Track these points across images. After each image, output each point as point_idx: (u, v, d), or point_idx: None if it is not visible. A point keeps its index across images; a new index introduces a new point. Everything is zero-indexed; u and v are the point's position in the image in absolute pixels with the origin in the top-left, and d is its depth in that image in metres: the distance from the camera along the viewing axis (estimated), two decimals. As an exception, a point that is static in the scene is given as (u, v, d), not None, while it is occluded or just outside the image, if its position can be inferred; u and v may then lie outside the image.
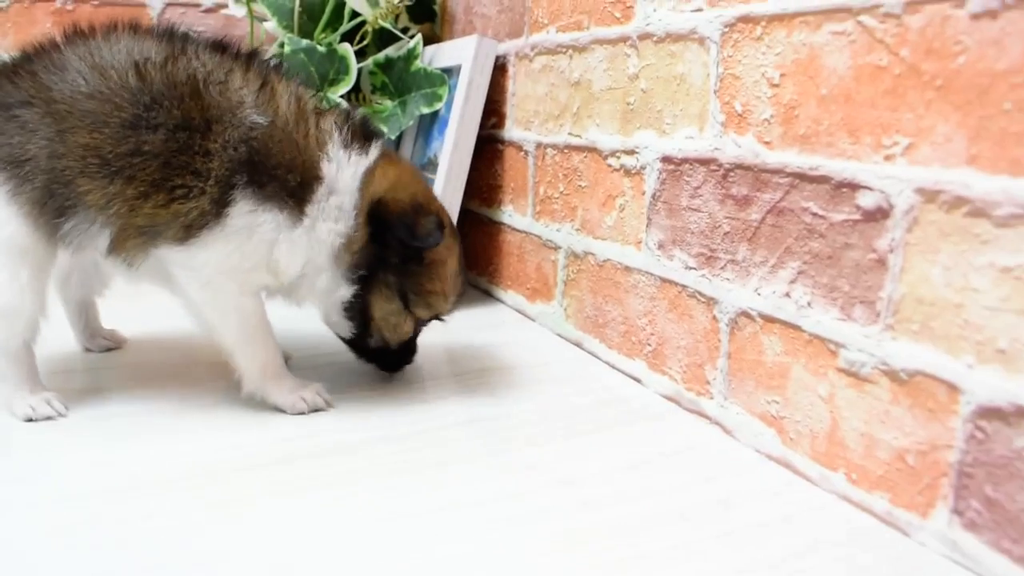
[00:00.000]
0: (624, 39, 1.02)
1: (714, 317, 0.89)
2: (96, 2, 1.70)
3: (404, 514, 0.71)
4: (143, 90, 0.84)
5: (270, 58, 0.94)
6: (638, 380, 1.03)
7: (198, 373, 1.05)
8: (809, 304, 0.77)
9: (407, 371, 1.05)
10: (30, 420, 0.89)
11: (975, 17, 0.61)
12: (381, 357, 1.01)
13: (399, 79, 1.46)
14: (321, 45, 1.45)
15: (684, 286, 0.94)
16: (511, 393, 0.99)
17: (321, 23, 1.48)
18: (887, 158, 0.68)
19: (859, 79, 0.70)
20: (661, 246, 0.97)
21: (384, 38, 1.52)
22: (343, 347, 1.01)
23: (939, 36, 0.64)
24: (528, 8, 1.25)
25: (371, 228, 0.91)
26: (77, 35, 0.90)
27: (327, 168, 0.90)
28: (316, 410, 0.93)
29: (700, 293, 0.91)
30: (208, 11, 1.78)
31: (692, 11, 0.90)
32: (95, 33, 0.89)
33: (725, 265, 0.87)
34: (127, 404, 0.94)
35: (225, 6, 1.72)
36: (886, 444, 0.70)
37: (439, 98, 1.40)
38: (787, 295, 0.79)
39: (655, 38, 0.96)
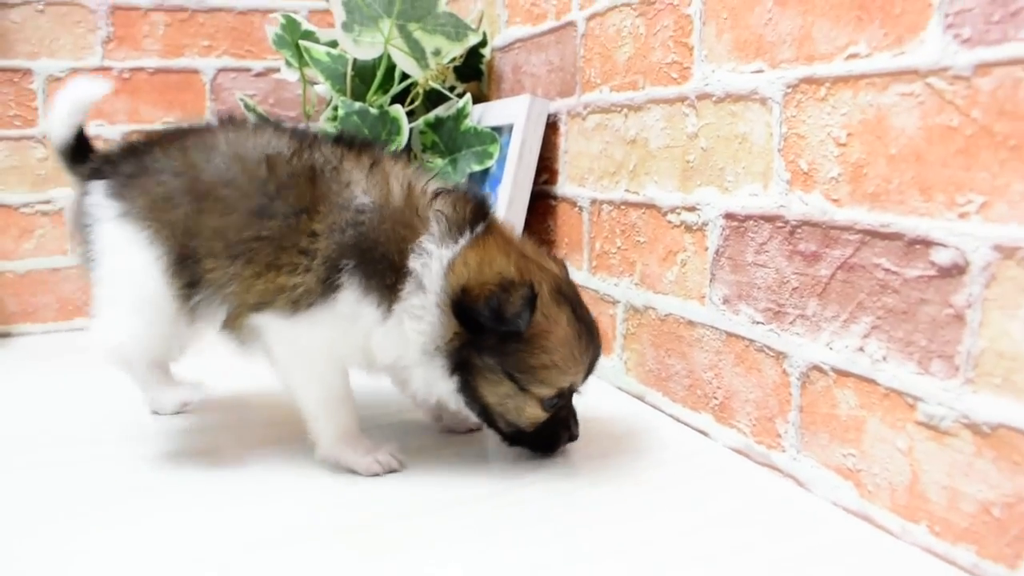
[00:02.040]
0: (682, 99, 1.04)
1: (784, 371, 0.91)
2: (151, 70, 1.75)
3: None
4: (269, 181, 0.90)
5: (385, 144, 0.99)
6: (705, 433, 1.04)
7: (259, 433, 1.08)
8: (884, 358, 0.78)
9: (473, 434, 1.06)
10: (177, 412, 1.08)
11: (1047, 80, 0.63)
12: (526, 441, 0.96)
13: (449, 138, 1.50)
14: (373, 107, 1.49)
15: (752, 340, 0.95)
16: (579, 454, 1.01)
17: (373, 86, 1.52)
18: (961, 216, 0.70)
19: (930, 139, 0.72)
20: (726, 301, 0.99)
21: (433, 98, 1.56)
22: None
23: (1011, 98, 0.65)
24: (580, 68, 1.28)
25: (460, 320, 0.87)
26: (230, 121, 0.98)
27: (415, 263, 0.88)
28: (391, 471, 0.94)
29: (769, 347, 0.93)
30: (259, 75, 1.83)
31: (752, 72, 0.92)
32: (246, 123, 0.97)
33: (794, 320, 0.88)
34: (200, 469, 0.97)
35: (277, 70, 1.77)
36: (970, 497, 0.71)
37: (490, 156, 1.43)
38: (861, 349, 0.80)
39: (714, 98, 0.98)
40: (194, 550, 0.77)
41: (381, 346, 0.91)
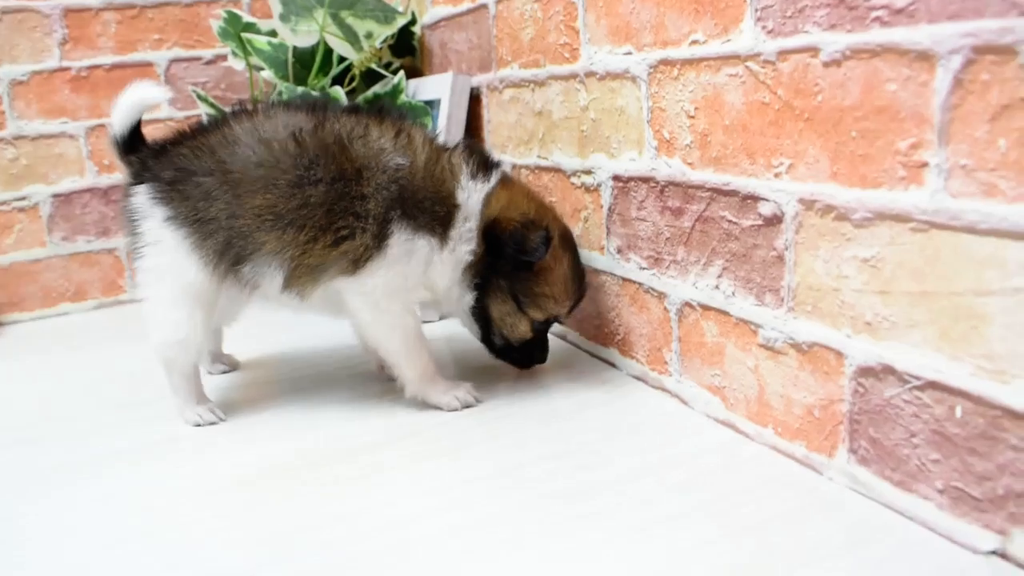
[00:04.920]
0: (574, 76, 1.19)
1: (665, 308, 1.07)
2: (108, 66, 1.87)
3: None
4: (302, 154, 1.04)
5: (396, 108, 1.13)
6: (613, 364, 1.21)
7: (297, 385, 1.27)
8: (734, 294, 0.94)
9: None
10: (198, 425, 1.13)
11: (826, 65, 0.78)
12: (509, 354, 1.17)
13: (387, 113, 1.63)
14: (314, 90, 1.62)
15: (640, 283, 1.11)
16: (521, 382, 1.17)
17: (313, 70, 1.65)
18: (776, 175, 0.85)
19: (751, 113, 0.88)
20: (619, 250, 1.15)
21: (371, 77, 1.69)
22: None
23: (803, 79, 0.81)
24: (494, 47, 1.42)
25: (487, 244, 1.09)
26: (242, 111, 1.11)
27: (461, 196, 1.09)
28: (468, 406, 1.12)
29: (653, 289, 1.09)
30: (210, 63, 1.95)
31: (624, 54, 1.07)
32: (256, 109, 1.10)
33: (669, 265, 1.05)
34: (256, 411, 1.17)
35: (225, 58, 1.90)
36: (799, 402, 0.87)
37: (424, 127, 1.57)
38: (717, 287, 0.97)
39: (598, 76, 1.13)
40: (186, 488, 0.95)
41: (440, 271, 1.09)
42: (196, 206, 1.05)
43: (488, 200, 1.10)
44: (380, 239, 1.04)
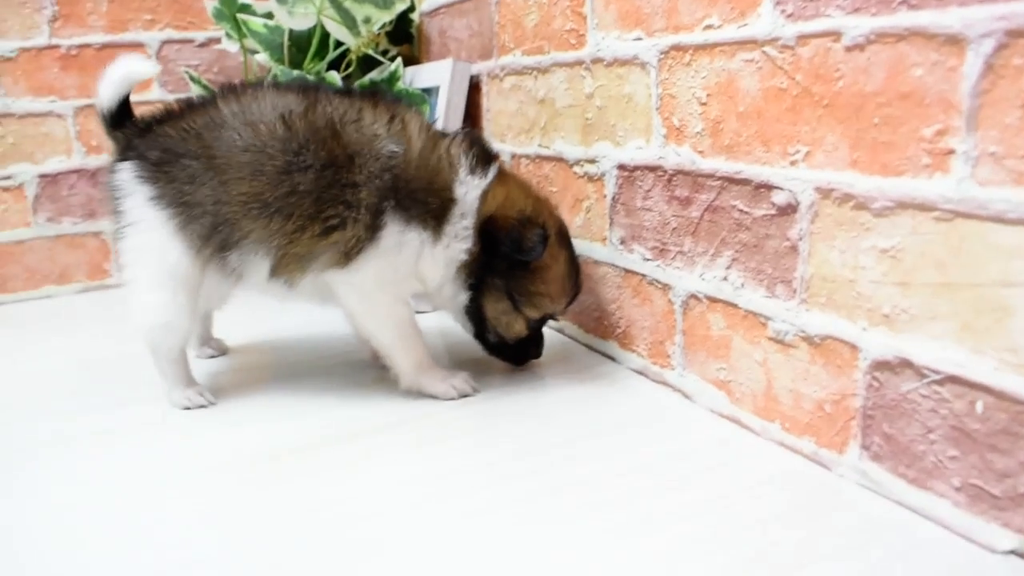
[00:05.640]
0: (580, 63, 1.16)
1: (669, 300, 1.05)
2: (98, 46, 1.83)
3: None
4: (290, 139, 1.00)
5: (391, 93, 1.09)
6: (612, 358, 1.19)
7: (288, 372, 1.24)
8: (743, 285, 0.92)
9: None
10: (187, 408, 1.10)
11: (848, 49, 0.76)
12: (503, 352, 1.14)
13: (384, 100, 1.61)
14: (310, 74, 1.59)
15: (644, 275, 1.09)
16: (516, 376, 1.15)
17: (309, 54, 1.62)
18: (792, 163, 0.83)
19: (767, 99, 0.85)
20: (623, 241, 1.12)
21: (368, 63, 1.66)
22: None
23: (823, 64, 0.79)
24: (496, 33, 1.40)
25: (483, 242, 1.05)
26: (230, 91, 1.06)
27: (459, 191, 1.04)
28: (465, 395, 1.09)
29: (657, 280, 1.07)
30: (202, 46, 1.92)
31: (633, 40, 1.04)
32: (245, 89, 1.06)
33: (675, 256, 1.02)
34: (245, 396, 1.15)
35: (218, 41, 1.86)
36: (809, 397, 0.85)
37: (418, 107, 1.54)
38: (725, 279, 0.95)
39: (605, 62, 1.11)
40: (172, 471, 0.92)
41: (431, 266, 1.05)
42: (181, 188, 1.02)
43: (485, 197, 1.06)
44: (373, 230, 1.00)
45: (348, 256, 1.01)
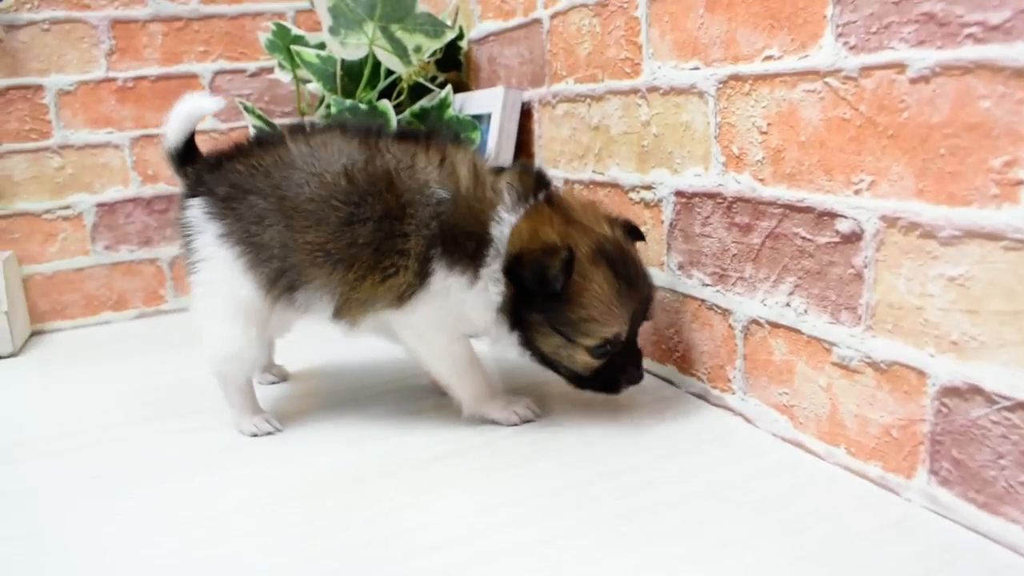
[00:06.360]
0: (635, 91, 1.18)
1: (730, 325, 1.06)
2: (153, 78, 1.88)
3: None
4: (352, 191, 1.02)
5: (447, 133, 1.10)
6: (671, 382, 1.20)
7: (348, 398, 1.27)
8: (806, 311, 0.93)
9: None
10: (254, 435, 1.13)
11: (913, 81, 0.77)
12: (587, 384, 1.06)
13: (434, 127, 1.64)
14: (362, 103, 1.62)
15: (703, 300, 1.11)
16: (568, 402, 1.16)
17: (361, 83, 1.66)
18: (856, 192, 0.84)
19: (829, 129, 0.87)
20: (681, 267, 1.14)
21: (418, 91, 1.69)
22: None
23: (888, 95, 0.80)
24: (547, 61, 1.42)
25: (512, 280, 1.00)
26: (299, 131, 1.09)
27: (495, 230, 1.02)
28: (527, 420, 1.11)
29: (717, 306, 1.08)
30: (253, 75, 1.96)
31: (691, 69, 1.06)
32: (313, 131, 1.08)
33: (735, 281, 1.04)
34: (308, 423, 1.17)
35: (270, 70, 1.91)
36: (875, 422, 0.86)
37: (471, 142, 1.57)
38: (787, 305, 0.96)
39: (661, 91, 1.13)
40: (237, 500, 0.94)
41: (474, 310, 1.04)
42: (248, 228, 1.05)
43: (512, 234, 1.02)
44: (422, 276, 1.02)
45: (402, 299, 1.03)
